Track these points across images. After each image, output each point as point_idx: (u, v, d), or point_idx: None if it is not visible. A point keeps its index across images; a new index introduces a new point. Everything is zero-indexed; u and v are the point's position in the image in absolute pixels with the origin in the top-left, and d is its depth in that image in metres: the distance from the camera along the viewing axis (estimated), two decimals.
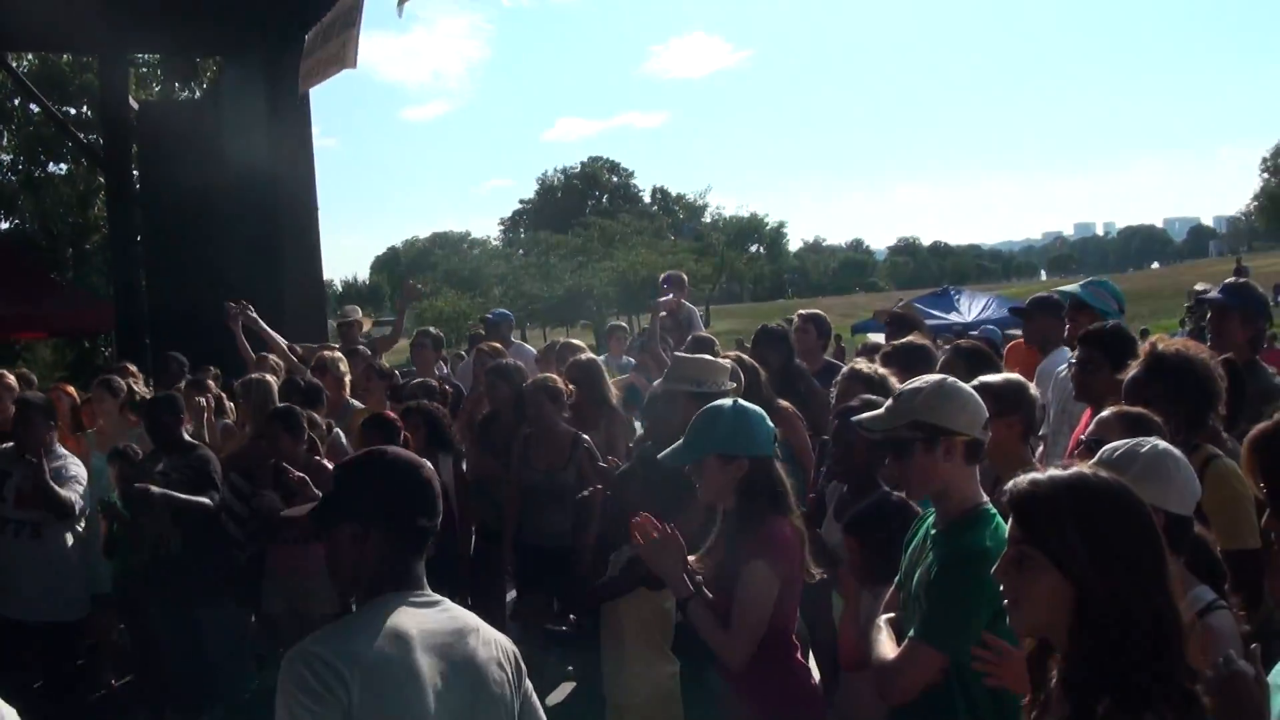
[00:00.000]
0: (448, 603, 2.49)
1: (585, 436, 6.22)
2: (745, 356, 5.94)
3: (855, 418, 3.39)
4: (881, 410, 3.28)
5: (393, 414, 6.47)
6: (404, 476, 2.47)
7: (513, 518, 6.42)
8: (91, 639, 7.27)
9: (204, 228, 14.23)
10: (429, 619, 2.39)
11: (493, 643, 2.49)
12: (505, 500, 6.45)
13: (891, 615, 3.20)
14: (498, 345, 8.41)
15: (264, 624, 6.62)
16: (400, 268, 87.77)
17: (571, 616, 5.83)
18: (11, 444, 6.42)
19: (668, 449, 3.80)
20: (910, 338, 5.95)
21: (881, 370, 5.02)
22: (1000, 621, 2.23)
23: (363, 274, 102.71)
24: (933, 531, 3.12)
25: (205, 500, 6.22)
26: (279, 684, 2.23)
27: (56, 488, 6.17)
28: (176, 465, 6.36)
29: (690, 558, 3.69)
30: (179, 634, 6.43)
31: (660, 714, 4.28)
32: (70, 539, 6.50)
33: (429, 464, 2.55)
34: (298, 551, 6.08)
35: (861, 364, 5.30)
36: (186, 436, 6.59)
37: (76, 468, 6.46)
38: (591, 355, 7.49)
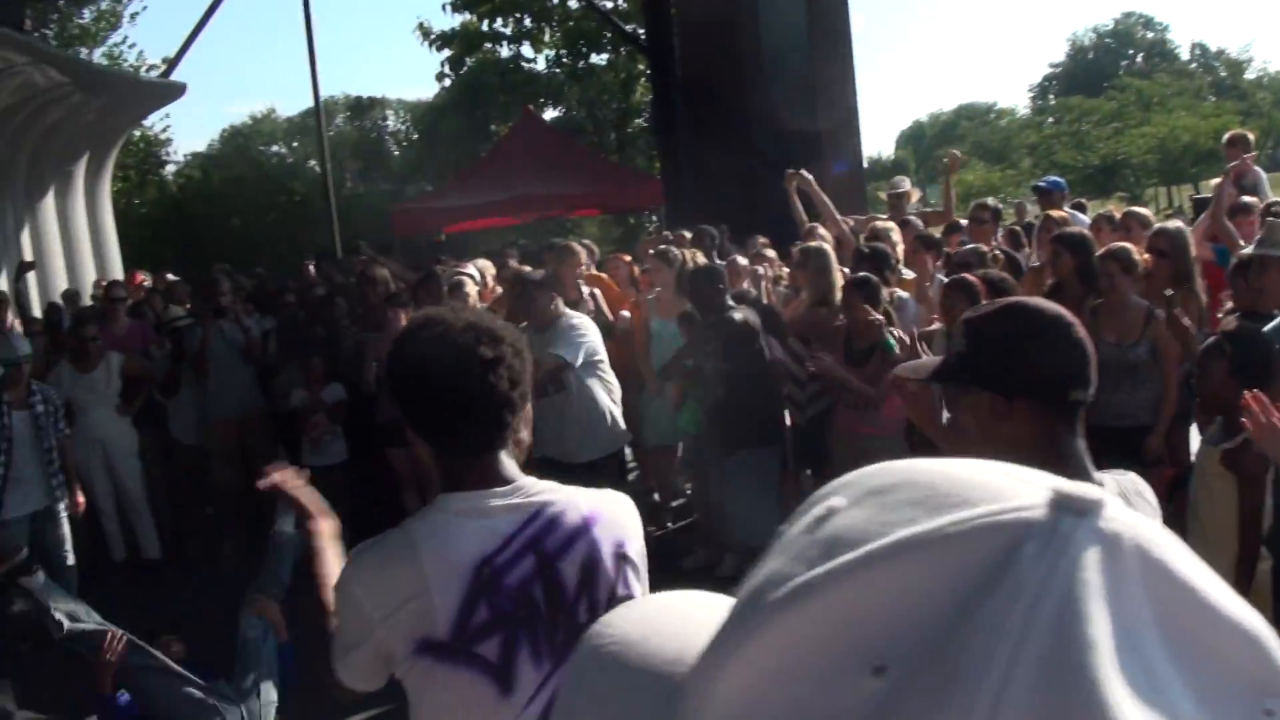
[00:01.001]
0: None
1: (1159, 310, 5.82)
2: None
3: None
4: None
5: (973, 278, 6.35)
6: (1055, 336, 1.99)
7: None
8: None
9: (742, 106, 14.70)
10: None
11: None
12: None
13: None
14: (1064, 213, 8.03)
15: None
16: (925, 141, 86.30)
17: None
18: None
19: (1272, 323, 3.48)
20: None
21: None
22: None
23: (887, 150, 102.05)
24: None
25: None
26: None
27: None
28: (711, 328, 6.72)
29: None
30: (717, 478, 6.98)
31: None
32: (598, 388, 6.99)
33: (1079, 322, 2.05)
34: (853, 416, 6.37)
35: None
36: (730, 304, 6.89)
37: (576, 330, 6.89)
38: (1180, 224, 6.99)
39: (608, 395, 6.98)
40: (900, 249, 7.77)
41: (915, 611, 0.48)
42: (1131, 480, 2.05)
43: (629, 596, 2.07)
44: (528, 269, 8.20)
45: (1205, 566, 0.51)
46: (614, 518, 2.16)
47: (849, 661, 0.49)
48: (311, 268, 12.14)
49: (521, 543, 2.05)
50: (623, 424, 7.10)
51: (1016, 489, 0.51)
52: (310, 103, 22.24)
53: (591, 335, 6.98)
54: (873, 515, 0.53)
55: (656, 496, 9.01)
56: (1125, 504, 1.79)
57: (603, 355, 7.05)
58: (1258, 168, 9.76)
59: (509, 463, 2.14)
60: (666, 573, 6.96)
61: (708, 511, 7.41)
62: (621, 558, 2.13)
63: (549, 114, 32.35)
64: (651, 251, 8.86)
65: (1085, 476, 1.91)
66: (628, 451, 8.25)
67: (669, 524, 8.56)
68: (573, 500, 2.13)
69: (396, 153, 36.25)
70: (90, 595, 7.88)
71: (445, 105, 35.39)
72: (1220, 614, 0.50)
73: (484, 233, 22.33)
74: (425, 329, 2.13)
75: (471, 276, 8.20)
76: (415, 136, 35.80)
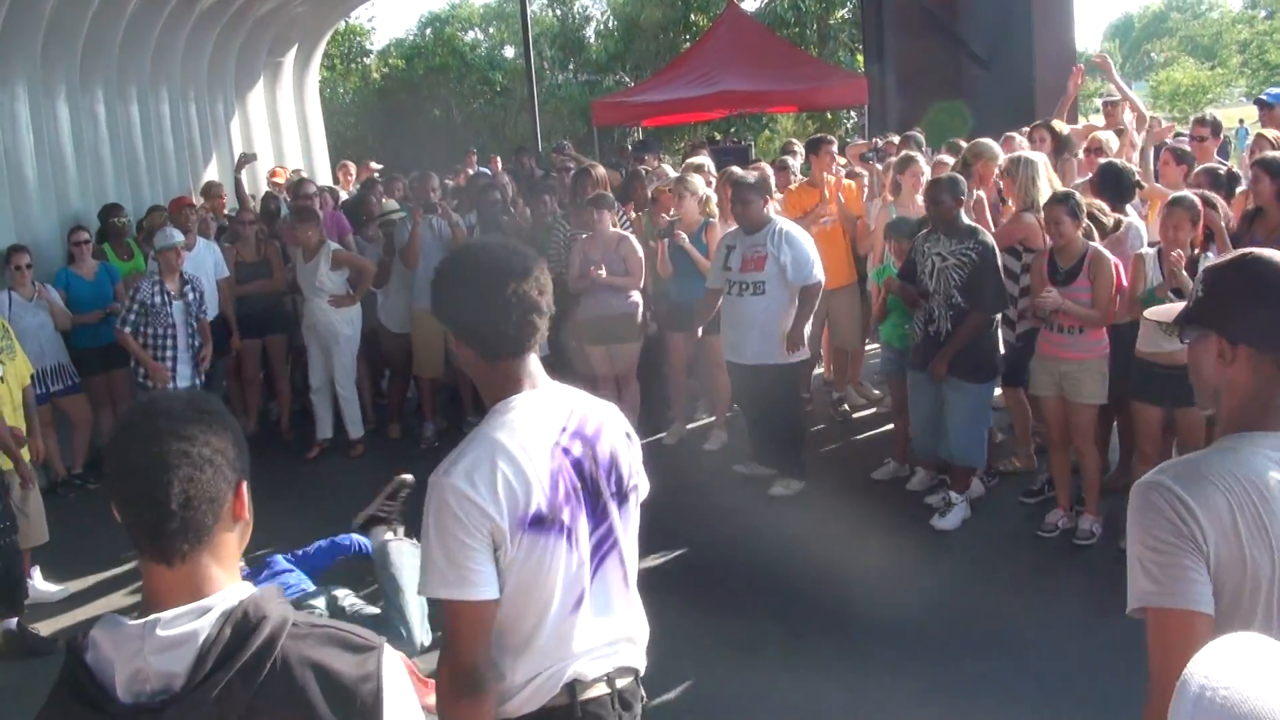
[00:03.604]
0: None
1: None
2: None
3: None
4: None
5: (1195, 196, 6.05)
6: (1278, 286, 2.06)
7: None
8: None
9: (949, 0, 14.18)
10: None
11: None
12: None
13: None
14: (1273, 134, 7.49)
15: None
16: (1133, 34, 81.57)
17: None
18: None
19: None
20: None
21: None
22: None
23: (1094, 45, 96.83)
24: None
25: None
26: None
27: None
28: (955, 250, 6.54)
29: None
30: (931, 402, 6.86)
31: None
32: (786, 294, 7.19)
33: None
34: (1059, 341, 6.24)
35: None
36: (964, 219, 6.70)
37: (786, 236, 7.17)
38: None
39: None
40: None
41: None
42: None
43: (638, 468, 2.63)
44: (741, 172, 8.27)
45: None
46: (617, 415, 2.65)
47: None
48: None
49: (572, 430, 2.49)
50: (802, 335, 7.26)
51: None
52: None
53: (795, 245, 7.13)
54: None
55: (846, 406, 9.01)
56: None
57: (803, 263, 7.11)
58: None
59: (539, 366, 2.56)
60: (860, 482, 6.99)
61: (906, 427, 7.34)
62: (629, 439, 2.63)
63: (750, 4, 31.74)
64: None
65: None
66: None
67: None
68: (589, 401, 2.61)
69: (596, 41, 36.09)
70: (300, 471, 8.50)
71: None
72: None
73: (681, 127, 22.23)
74: (464, 253, 2.59)
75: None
76: (615, 25, 35.52)
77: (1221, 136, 9.22)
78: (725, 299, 7.37)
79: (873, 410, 9.01)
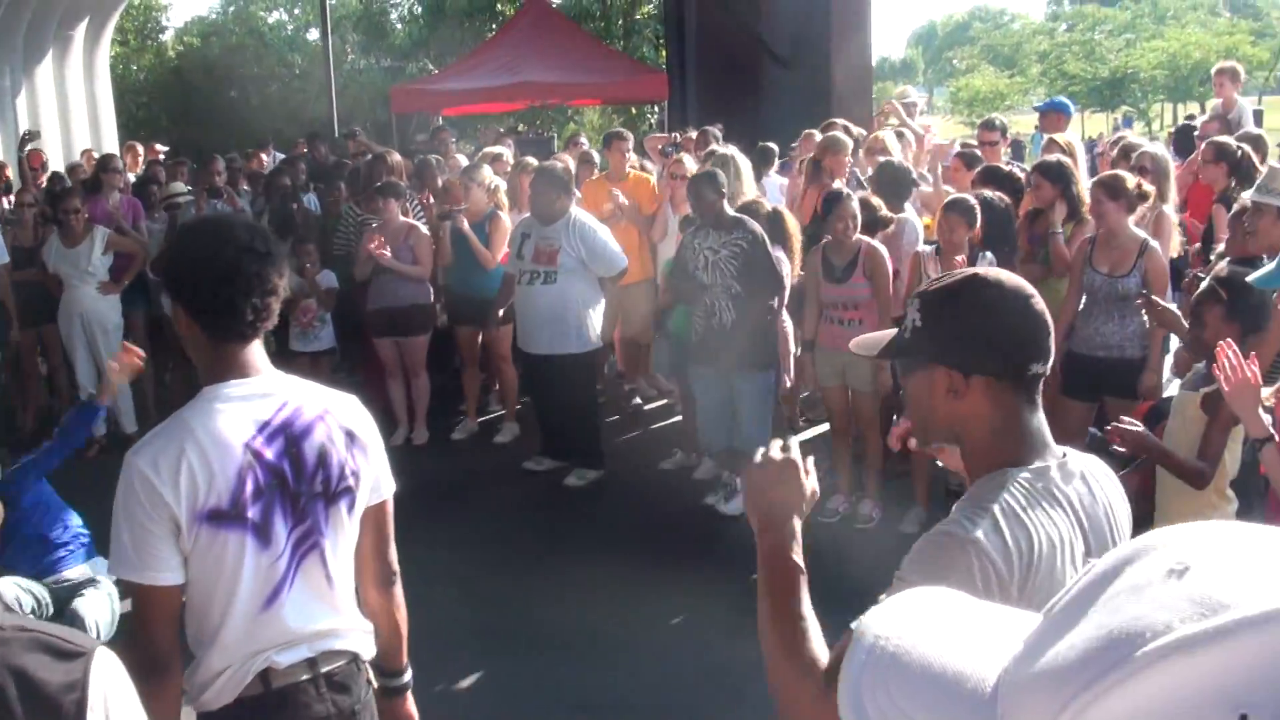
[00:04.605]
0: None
1: (1154, 241, 5.77)
2: None
3: None
4: None
5: (972, 198, 6.27)
6: (1013, 310, 1.91)
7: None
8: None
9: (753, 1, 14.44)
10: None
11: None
12: (1063, 304, 6.13)
13: None
14: (1063, 140, 7.90)
15: None
16: (936, 42, 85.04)
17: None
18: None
19: (1260, 271, 3.49)
20: None
21: None
22: None
23: (897, 50, 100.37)
24: None
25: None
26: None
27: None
28: (725, 241, 6.63)
29: (1265, 391, 3.44)
30: (719, 395, 6.88)
31: None
32: (578, 285, 7.23)
33: (1038, 294, 1.95)
34: (837, 332, 6.42)
35: None
36: (729, 211, 6.80)
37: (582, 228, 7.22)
38: (1161, 148, 6.96)
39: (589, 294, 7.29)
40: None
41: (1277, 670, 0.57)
42: (1095, 463, 1.99)
43: (358, 471, 2.53)
44: (537, 161, 8.32)
45: None
46: (345, 410, 2.57)
47: (1217, 712, 0.58)
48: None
49: (275, 425, 2.43)
50: (595, 326, 7.36)
51: None
52: None
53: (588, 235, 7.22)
54: (1235, 579, 0.62)
55: (638, 400, 9.10)
56: (1083, 485, 1.70)
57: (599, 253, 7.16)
58: (1243, 99, 9.72)
59: (261, 354, 2.51)
60: (648, 472, 7.06)
61: (693, 417, 7.44)
62: (351, 437, 2.54)
63: None
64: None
65: (1048, 450, 1.91)
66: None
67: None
68: (313, 394, 2.54)
69: (400, 27, 35.51)
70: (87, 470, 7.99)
71: None
72: None
73: (482, 116, 22.06)
74: (202, 225, 2.58)
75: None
76: (420, 11, 35.05)
77: (1010, 139, 9.65)
78: (518, 288, 7.35)
79: (664, 401, 9.12)
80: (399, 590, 2.72)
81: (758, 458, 2.01)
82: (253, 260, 2.39)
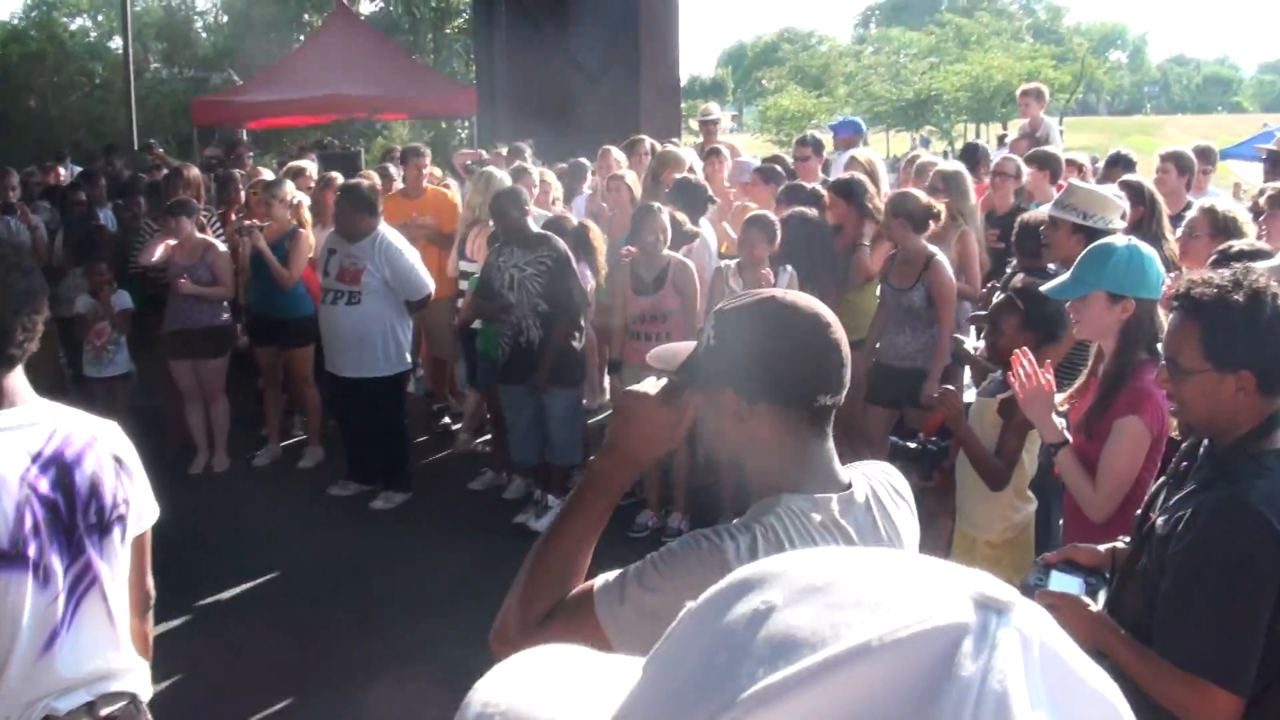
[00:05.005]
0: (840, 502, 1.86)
1: (941, 256, 6.00)
2: (1147, 184, 5.60)
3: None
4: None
5: (772, 215, 6.42)
6: (805, 338, 1.83)
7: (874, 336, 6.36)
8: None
9: (564, 15, 14.48)
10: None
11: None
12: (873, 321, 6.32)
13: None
14: (864, 157, 8.16)
15: None
16: (746, 62, 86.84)
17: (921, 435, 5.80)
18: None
19: (1054, 281, 3.69)
20: None
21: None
22: None
23: (708, 70, 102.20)
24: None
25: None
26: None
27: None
28: (530, 259, 6.62)
29: (1058, 397, 3.59)
30: (529, 412, 6.88)
31: (1012, 551, 4.21)
32: (384, 306, 7.05)
33: (836, 319, 1.87)
34: (638, 346, 6.42)
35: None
36: (533, 228, 6.81)
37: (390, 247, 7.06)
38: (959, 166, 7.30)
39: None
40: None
41: (875, 709, 0.55)
42: (883, 471, 1.99)
43: (129, 499, 2.44)
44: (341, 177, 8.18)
45: (1077, 649, 0.59)
46: (110, 436, 2.46)
47: None
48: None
49: (48, 456, 2.31)
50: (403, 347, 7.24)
51: (942, 586, 0.59)
52: None
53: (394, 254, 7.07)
54: (820, 615, 0.59)
55: (447, 419, 8.99)
56: (866, 516, 1.71)
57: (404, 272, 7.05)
58: (1048, 118, 10.24)
59: (24, 380, 2.35)
60: (457, 493, 6.97)
61: (502, 437, 7.38)
62: (120, 464, 2.45)
63: (365, 7, 31.27)
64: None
65: (832, 482, 1.87)
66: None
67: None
68: (78, 421, 2.41)
69: (205, 36, 34.44)
70: None
71: None
72: (1093, 691, 0.59)
73: (288, 130, 21.56)
74: None
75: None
76: (225, 20, 34.08)
77: (824, 156, 9.91)
78: (322, 307, 7.17)
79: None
80: (151, 617, 2.65)
81: (641, 387, 1.94)
82: (20, 278, 2.27)
